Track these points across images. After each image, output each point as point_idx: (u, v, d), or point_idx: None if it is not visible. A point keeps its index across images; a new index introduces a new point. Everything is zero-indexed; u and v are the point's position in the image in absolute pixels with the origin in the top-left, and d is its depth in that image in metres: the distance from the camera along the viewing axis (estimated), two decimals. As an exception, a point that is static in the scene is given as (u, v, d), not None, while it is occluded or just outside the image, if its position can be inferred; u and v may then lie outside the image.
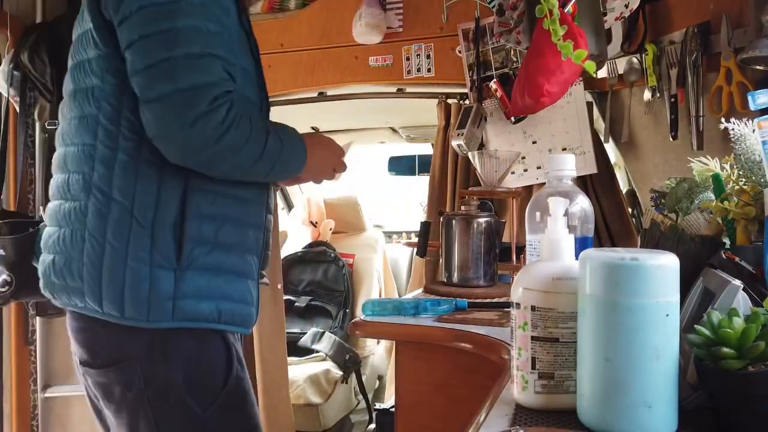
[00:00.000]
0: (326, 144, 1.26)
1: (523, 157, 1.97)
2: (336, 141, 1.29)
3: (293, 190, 3.53)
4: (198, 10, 1.00)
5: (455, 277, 1.59)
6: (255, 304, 1.16)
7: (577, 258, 0.67)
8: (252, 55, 1.16)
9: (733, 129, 0.95)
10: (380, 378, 3.17)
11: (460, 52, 2.10)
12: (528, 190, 1.97)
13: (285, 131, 1.12)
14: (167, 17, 0.98)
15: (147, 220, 1.02)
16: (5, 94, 2.26)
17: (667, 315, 0.61)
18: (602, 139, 1.97)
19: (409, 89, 2.26)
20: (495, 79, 2.01)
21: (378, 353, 3.13)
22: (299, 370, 2.72)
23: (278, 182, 1.25)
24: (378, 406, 2.52)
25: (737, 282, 0.69)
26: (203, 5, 1.00)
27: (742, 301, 0.68)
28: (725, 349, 0.60)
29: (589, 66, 1.24)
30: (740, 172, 0.95)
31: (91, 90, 1.07)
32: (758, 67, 1.35)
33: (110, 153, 1.04)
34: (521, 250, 1.56)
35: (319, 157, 1.21)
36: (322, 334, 2.89)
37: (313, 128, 3.02)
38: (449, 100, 2.21)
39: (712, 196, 1.00)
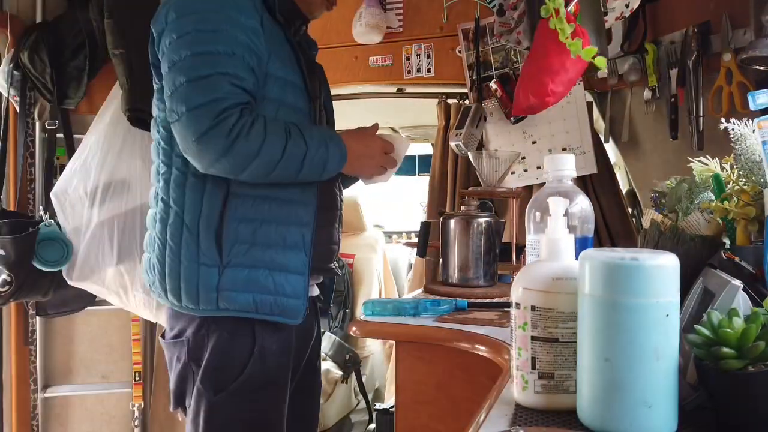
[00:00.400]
0: (367, 142, 1.33)
1: (523, 157, 1.97)
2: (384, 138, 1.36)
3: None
4: (209, 36, 1.14)
5: (455, 277, 1.59)
6: (299, 296, 1.25)
7: (577, 258, 0.67)
8: (300, 67, 1.28)
9: (733, 129, 0.95)
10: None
11: (460, 52, 2.10)
12: (528, 190, 1.98)
13: (315, 133, 1.22)
14: (185, 47, 1.15)
15: (194, 224, 1.20)
16: (5, 94, 2.26)
17: (667, 315, 0.61)
18: (602, 139, 1.98)
19: (409, 89, 2.26)
20: (495, 79, 2.02)
21: (377, 353, 3.13)
22: (299, 370, 2.72)
23: (323, 179, 1.28)
24: (378, 406, 2.52)
25: (737, 282, 0.69)
26: (215, 30, 1.15)
27: (742, 301, 0.68)
28: (725, 349, 0.60)
29: (600, 62, 1.23)
30: (740, 172, 0.95)
31: (156, 117, 1.27)
32: (758, 67, 1.35)
33: (167, 169, 1.24)
34: (521, 250, 1.56)
35: (360, 156, 1.30)
36: (323, 334, 2.89)
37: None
38: (449, 100, 2.21)
39: (712, 196, 1.00)
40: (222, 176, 1.18)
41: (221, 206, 1.20)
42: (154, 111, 1.28)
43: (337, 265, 1.43)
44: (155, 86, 1.27)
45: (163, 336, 1.34)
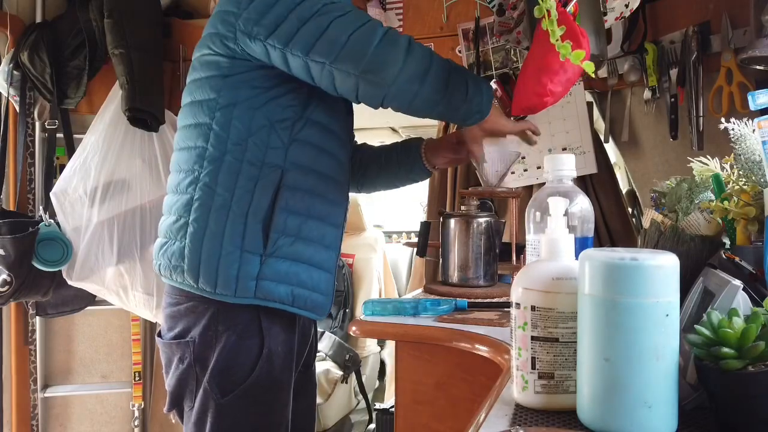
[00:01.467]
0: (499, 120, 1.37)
1: (523, 157, 1.97)
2: None
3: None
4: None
5: (455, 277, 1.59)
6: (328, 294, 1.29)
7: (577, 258, 0.67)
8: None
9: (733, 129, 0.95)
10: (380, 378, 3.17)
11: (460, 52, 2.10)
12: (528, 190, 1.97)
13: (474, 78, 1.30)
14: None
15: (242, 211, 1.18)
16: (5, 94, 2.26)
17: (667, 315, 0.61)
18: (602, 139, 1.97)
19: (409, 89, 2.25)
20: (495, 79, 2.01)
21: (375, 353, 3.13)
22: (299, 370, 2.72)
23: (471, 115, 1.28)
24: (378, 406, 2.52)
25: (737, 282, 0.69)
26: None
27: (742, 301, 0.68)
28: (725, 349, 0.60)
29: (588, 66, 1.24)
30: (740, 172, 0.95)
31: (207, 102, 1.23)
32: (758, 67, 1.35)
33: (218, 155, 1.21)
34: (521, 250, 1.56)
35: (494, 124, 1.35)
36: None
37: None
38: (449, 100, 2.21)
39: (712, 196, 1.00)
40: (284, 169, 1.20)
41: (273, 196, 1.19)
42: (203, 95, 1.24)
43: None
44: (212, 72, 1.23)
45: (159, 335, 1.30)
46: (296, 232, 1.21)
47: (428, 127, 2.91)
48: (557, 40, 1.25)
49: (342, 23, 1.10)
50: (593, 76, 1.50)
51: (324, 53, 1.10)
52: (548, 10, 1.27)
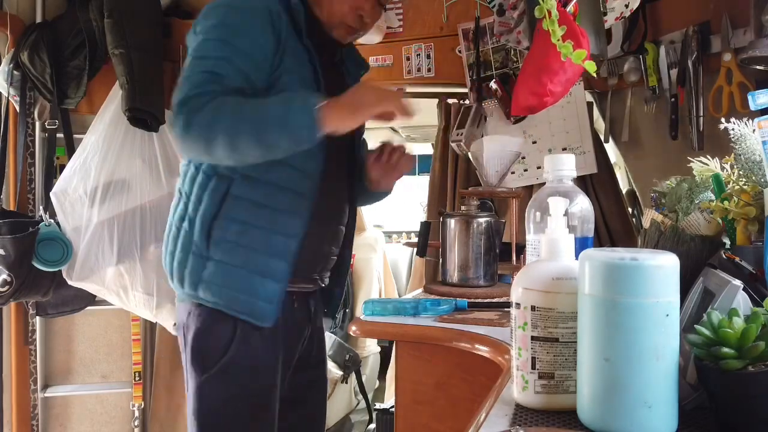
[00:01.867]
0: (360, 87, 1.26)
1: (523, 157, 1.97)
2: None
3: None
4: (211, 44, 1.23)
5: (455, 277, 1.59)
6: (272, 301, 1.29)
7: (577, 258, 0.67)
8: (318, 90, 1.30)
9: (733, 129, 0.95)
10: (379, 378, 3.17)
11: (460, 52, 2.10)
12: (528, 190, 1.97)
13: (280, 96, 1.24)
14: (191, 51, 1.26)
15: (194, 217, 1.28)
16: (5, 94, 2.26)
17: (667, 315, 0.61)
18: (602, 139, 1.97)
19: (409, 89, 2.26)
20: (495, 79, 2.01)
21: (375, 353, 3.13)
22: (299, 370, 2.71)
23: (300, 139, 1.20)
24: (378, 406, 2.52)
25: (737, 282, 0.69)
26: (222, 40, 1.23)
27: (742, 301, 0.68)
28: (725, 349, 0.60)
29: (590, 66, 1.24)
30: (740, 172, 0.95)
31: None
32: (758, 67, 1.35)
33: (187, 164, 1.34)
34: (521, 250, 1.56)
35: (349, 100, 1.20)
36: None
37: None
38: (449, 100, 2.21)
39: (712, 196, 1.00)
40: (232, 178, 1.26)
41: (219, 205, 1.27)
42: None
43: (324, 276, 1.44)
44: None
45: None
46: (236, 240, 1.26)
47: (429, 128, 2.91)
48: (558, 40, 1.25)
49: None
50: (594, 75, 1.50)
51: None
52: (549, 11, 1.27)
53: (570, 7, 1.47)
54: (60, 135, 2.29)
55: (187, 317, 1.32)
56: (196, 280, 1.28)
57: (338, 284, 1.51)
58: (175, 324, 1.45)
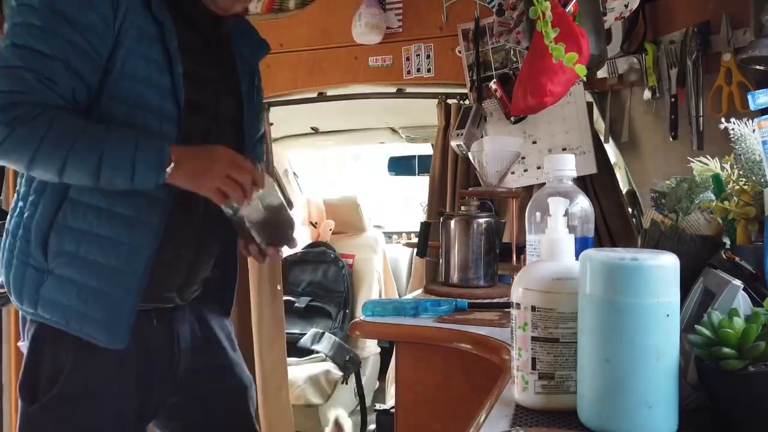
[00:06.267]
0: (211, 149, 1.12)
1: (523, 157, 1.97)
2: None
3: (293, 190, 3.52)
4: (35, 31, 1.04)
5: (455, 278, 1.59)
6: (120, 320, 1.12)
7: (577, 258, 0.67)
8: (170, 72, 1.13)
9: (733, 129, 0.95)
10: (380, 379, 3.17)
11: (459, 52, 2.10)
12: (528, 190, 1.97)
13: (130, 131, 1.08)
14: (7, 36, 1.06)
15: (29, 223, 1.12)
16: (5, 95, 2.26)
17: (667, 315, 0.61)
18: (602, 139, 1.97)
19: (409, 89, 2.26)
20: (495, 79, 2.01)
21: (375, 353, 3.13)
22: (299, 371, 2.72)
23: (139, 185, 1.09)
24: (378, 406, 2.52)
25: (737, 282, 0.69)
26: (42, 28, 1.04)
27: (742, 301, 0.68)
28: (725, 349, 0.59)
29: (580, 69, 1.24)
30: (740, 172, 0.95)
31: None
32: (758, 67, 1.35)
33: None
34: (521, 250, 1.56)
35: (197, 158, 1.10)
36: (322, 334, 2.88)
37: (312, 128, 3.02)
38: (449, 101, 2.21)
39: (712, 196, 1.00)
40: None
41: (54, 211, 1.11)
42: None
43: (189, 294, 1.28)
44: None
45: None
46: (74, 252, 1.11)
47: (429, 128, 2.91)
48: (551, 42, 1.26)
49: None
50: (585, 79, 1.51)
51: None
52: (543, 12, 1.28)
53: (570, 7, 1.47)
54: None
55: (25, 335, 1.18)
56: (34, 296, 1.12)
57: (225, 272, 1.35)
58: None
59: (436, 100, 2.23)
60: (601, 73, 1.91)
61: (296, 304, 3.04)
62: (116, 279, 1.12)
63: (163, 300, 1.23)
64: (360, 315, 1.40)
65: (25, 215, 1.13)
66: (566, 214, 0.79)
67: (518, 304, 0.72)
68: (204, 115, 1.21)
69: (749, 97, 0.98)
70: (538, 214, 0.96)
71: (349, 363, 2.80)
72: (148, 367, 1.21)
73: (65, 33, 1.04)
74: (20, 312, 1.20)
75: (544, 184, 0.99)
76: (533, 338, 0.71)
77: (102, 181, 1.06)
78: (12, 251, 1.14)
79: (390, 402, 2.53)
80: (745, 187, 0.93)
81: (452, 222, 1.60)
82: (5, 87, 1.02)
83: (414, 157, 3.54)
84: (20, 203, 1.16)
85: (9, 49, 1.04)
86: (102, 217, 1.12)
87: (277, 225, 1.20)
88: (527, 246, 1.03)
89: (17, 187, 1.20)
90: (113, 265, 1.12)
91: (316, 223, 3.29)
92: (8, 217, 1.19)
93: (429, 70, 2.15)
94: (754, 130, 0.93)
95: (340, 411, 2.61)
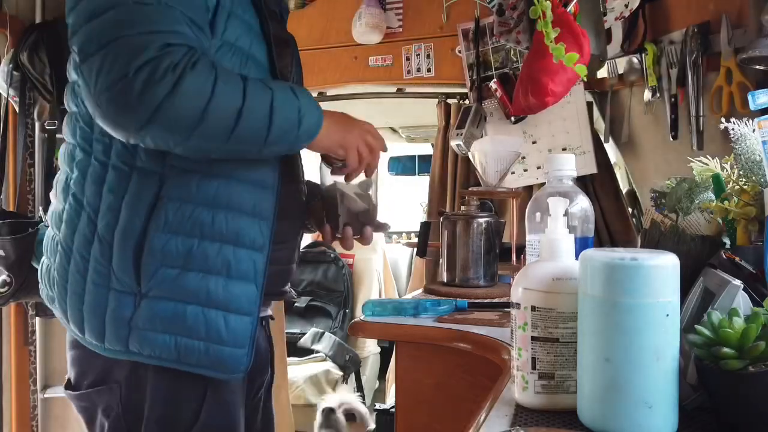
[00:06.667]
0: (347, 116, 1.03)
1: (523, 157, 1.97)
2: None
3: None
4: None
5: (455, 277, 1.59)
6: (243, 344, 0.95)
7: (577, 258, 0.67)
8: (265, 40, 1.00)
9: (733, 129, 0.95)
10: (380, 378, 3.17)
11: (459, 52, 2.10)
12: (528, 190, 1.97)
13: (277, 83, 0.95)
14: None
15: (108, 234, 0.90)
16: (5, 95, 2.26)
17: (667, 315, 0.61)
18: (602, 139, 1.97)
19: (409, 89, 2.26)
20: (495, 79, 2.01)
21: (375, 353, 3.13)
22: (299, 371, 2.72)
23: (290, 151, 0.99)
24: (378, 406, 2.52)
25: (737, 282, 0.69)
26: None
27: (742, 301, 0.68)
28: (725, 349, 0.59)
29: (581, 69, 1.24)
30: (740, 172, 0.95)
31: (72, 85, 0.96)
32: (758, 67, 1.35)
33: (85, 156, 0.94)
34: (521, 250, 1.56)
35: (340, 122, 0.99)
36: (322, 334, 2.89)
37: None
38: (449, 100, 2.21)
39: (712, 196, 1.00)
40: (163, 174, 0.89)
41: (147, 212, 0.89)
42: (72, 75, 0.96)
43: (291, 289, 1.17)
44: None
45: (69, 386, 1.00)
46: (183, 262, 0.90)
47: (429, 127, 2.91)
48: (551, 42, 1.26)
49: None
50: (585, 79, 1.51)
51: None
52: (543, 12, 1.28)
53: (570, 7, 1.47)
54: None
55: (132, 372, 0.93)
56: (123, 329, 0.89)
57: (282, 297, 1.21)
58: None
59: (436, 100, 2.24)
60: (601, 73, 1.91)
61: (296, 304, 3.05)
62: (233, 291, 0.93)
63: (277, 296, 1.13)
64: (360, 315, 1.40)
65: (99, 225, 0.90)
66: (566, 214, 0.79)
67: (518, 304, 0.72)
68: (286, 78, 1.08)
69: (749, 97, 0.98)
70: (538, 214, 0.96)
71: (349, 363, 2.80)
72: (254, 379, 1.10)
73: None
74: (82, 351, 0.95)
75: (544, 184, 0.99)
76: (533, 338, 0.71)
77: (270, 137, 0.88)
78: (81, 274, 0.91)
79: (390, 402, 2.53)
80: (745, 187, 0.93)
81: (452, 222, 1.60)
82: (162, 26, 0.82)
83: (414, 156, 3.54)
84: (81, 209, 0.92)
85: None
86: (211, 213, 0.92)
87: (364, 211, 1.14)
88: (527, 246, 1.03)
89: (58, 188, 0.98)
90: (229, 275, 0.93)
91: (316, 222, 3.29)
92: (58, 228, 0.95)
93: (429, 70, 2.15)
94: (754, 130, 0.93)
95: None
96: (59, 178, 1.00)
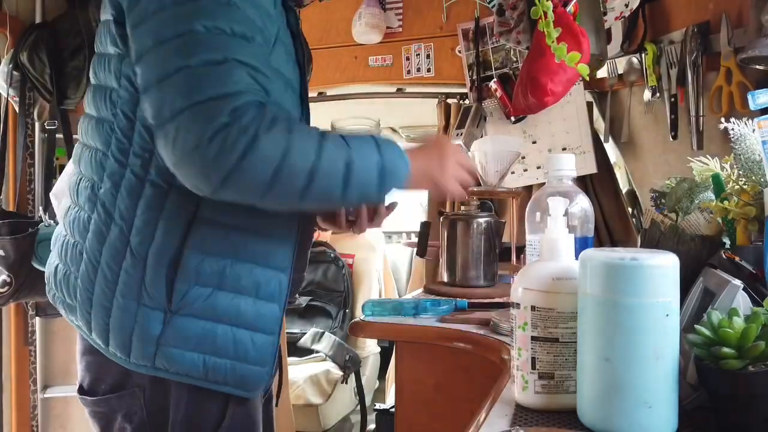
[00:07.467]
0: (439, 144, 1.03)
1: (523, 157, 1.97)
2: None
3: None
4: (224, 9, 0.84)
5: (455, 277, 1.59)
6: (266, 363, 0.98)
7: (577, 258, 0.67)
8: (297, 60, 1.01)
9: (733, 129, 0.95)
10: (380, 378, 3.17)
11: (459, 52, 2.10)
12: (528, 190, 1.97)
13: (354, 136, 0.91)
14: (186, 18, 0.82)
15: (142, 250, 0.90)
16: (4, 95, 2.26)
17: (667, 315, 0.61)
18: (602, 139, 1.97)
19: (409, 89, 2.26)
20: (495, 79, 2.01)
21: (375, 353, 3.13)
22: (299, 371, 2.72)
23: (374, 202, 0.99)
24: (378, 406, 2.52)
25: (737, 282, 0.69)
26: (230, 4, 0.84)
27: (742, 301, 0.68)
28: (725, 349, 0.59)
29: (582, 69, 1.24)
30: (740, 172, 0.95)
31: (109, 92, 0.94)
32: (758, 67, 1.35)
33: (119, 168, 0.92)
34: (521, 250, 1.56)
35: (428, 160, 0.98)
36: (322, 334, 2.88)
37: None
38: (449, 100, 2.21)
39: (712, 196, 1.00)
40: (202, 196, 0.86)
41: (183, 232, 0.90)
42: (106, 80, 0.95)
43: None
44: (112, 49, 0.93)
45: (84, 391, 1.00)
46: (216, 281, 0.92)
47: (429, 127, 2.90)
48: (553, 42, 1.26)
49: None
50: (587, 79, 1.51)
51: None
52: (545, 12, 1.28)
53: (570, 7, 1.47)
54: (59, 135, 2.29)
55: (151, 389, 0.94)
56: (150, 344, 0.90)
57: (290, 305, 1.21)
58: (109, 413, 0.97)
59: (436, 100, 2.24)
60: (601, 73, 1.91)
61: (296, 303, 3.04)
62: (261, 311, 0.96)
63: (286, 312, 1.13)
64: (360, 315, 1.40)
65: (133, 241, 0.90)
66: (566, 214, 0.79)
67: (518, 304, 0.72)
68: (306, 106, 1.08)
69: (749, 97, 0.98)
70: (538, 214, 0.96)
71: (349, 363, 2.80)
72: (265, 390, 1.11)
73: (251, 12, 0.86)
74: (99, 356, 0.94)
75: (544, 184, 0.99)
76: (533, 338, 0.71)
77: (348, 194, 0.87)
78: (109, 287, 0.91)
79: (390, 402, 2.53)
80: (745, 187, 0.93)
81: (452, 222, 1.60)
82: (218, 90, 0.81)
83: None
84: (117, 223, 0.91)
85: (201, 35, 0.82)
86: (243, 237, 0.94)
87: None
88: (527, 246, 1.03)
89: (81, 195, 0.96)
90: (257, 295, 0.95)
91: (315, 222, 3.29)
92: (87, 239, 0.93)
93: (429, 70, 2.15)
94: (754, 130, 0.93)
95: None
96: (80, 184, 0.98)
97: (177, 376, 0.93)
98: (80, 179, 0.99)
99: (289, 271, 1.00)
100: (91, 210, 0.94)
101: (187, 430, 0.95)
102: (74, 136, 2.29)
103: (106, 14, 0.94)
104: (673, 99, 1.65)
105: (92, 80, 0.99)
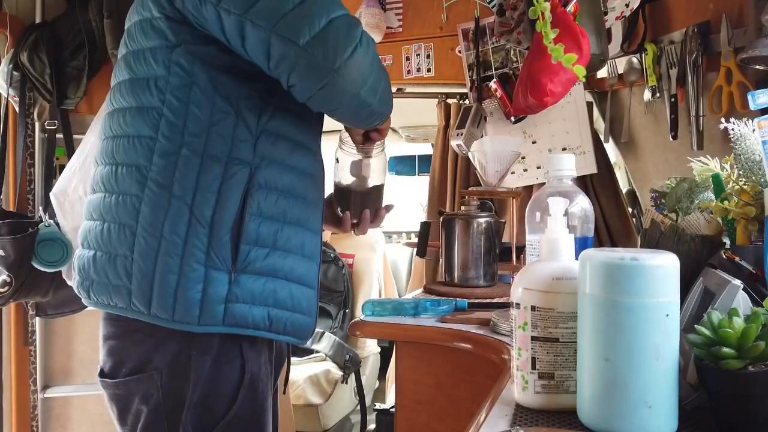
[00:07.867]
0: None
1: (523, 157, 1.97)
2: None
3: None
4: None
5: (455, 277, 1.59)
6: (313, 314, 1.11)
7: (577, 258, 0.67)
8: None
9: (733, 129, 0.95)
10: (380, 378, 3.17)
11: (459, 52, 2.10)
12: (528, 190, 1.97)
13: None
14: None
15: (206, 218, 0.98)
16: (4, 95, 2.26)
17: (667, 315, 0.61)
18: (602, 139, 1.97)
19: (409, 89, 2.26)
20: (495, 79, 2.01)
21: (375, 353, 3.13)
22: (299, 371, 2.72)
23: (373, 124, 1.15)
24: (378, 406, 2.52)
25: (737, 282, 0.69)
26: None
27: (742, 301, 0.68)
28: (725, 349, 0.59)
29: (579, 71, 1.24)
30: (740, 172, 0.95)
31: (154, 80, 1.02)
32: (758, 67, 1.35)
33: (172, 147, 1.00)
34: (521, 250, 1.56)
35: None
36: (322, 334, 2.88)
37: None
38: (449, 100, 2.21)
39: (712, 196, 1.00)
40: (254, 165, 1.01)
41: (242, 198, 1.00)
42: (148, 71, 1.03)
43: None
44: (156, 43, 1.03)
45: (105, 374, 1.06)
46: (272, 242, 1.03)
47: (429, 127, 2.91)
48: (550, 43, 1.26)
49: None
50: (584, 80, 1.51)
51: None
52: (542, 12, 1.28)
53: (570, 7, 1.47)
54: (60, 135, 2.29)
55: (175, 359, 1.00)
56: (219, 303, 0.98)
57: None
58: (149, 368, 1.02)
59: (436, 100, 2.23)
60: (601, 73, 1.91)
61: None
62: (308, 267, 1.09)
63: None
64: (360, 315, 1.40)
65: (197, 210, 0.98)
66: (566, 214, 0.79)
67: (518, 304, 0.72)
68: None
69: (749, 97, 0.98)
70: (538, 214, 0.96)
71: (349, 363, 2.80)
72: (277, 367, 1.22)
73: None
74: (160, 326, 0.99)
75: (544, 184, 0.99)
76: (533, 338, 0.71)
77: (382, 99, 1.03)
78: (177, 255, 0.97)
79: (390, 402, 2.53)
80: (745, 187, 0.93)
81: (452, 222, 1.60)
82: (342, 10, 0.96)
83: (414, 156, 3.54)
84: (170, 195, 0.98)
85: None
86: (290, 201, 1.06)
87: (373, 198, 1.31)
88: (527, 246, 1.03)
89: (126, 180, 1.02)
90: (303, 254, 1.08)
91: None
92: (130, 218, 0.99)
93: (429, 70, 2.15)
94: (754, 130, 0.93)
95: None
96: (117, 172, 1.03)
97: (245, 329, 1.02)
98: (116, 169, 1.04)
99: (320, 234, 1.13)
100: (140, 191, 1.00)
101: (201, 410, 1.02)
102: (74, 136, 2.30)
103: (143, 15, 1.04)
104: (673, 99, 1.65)
105: (125, 75, 1.06)
